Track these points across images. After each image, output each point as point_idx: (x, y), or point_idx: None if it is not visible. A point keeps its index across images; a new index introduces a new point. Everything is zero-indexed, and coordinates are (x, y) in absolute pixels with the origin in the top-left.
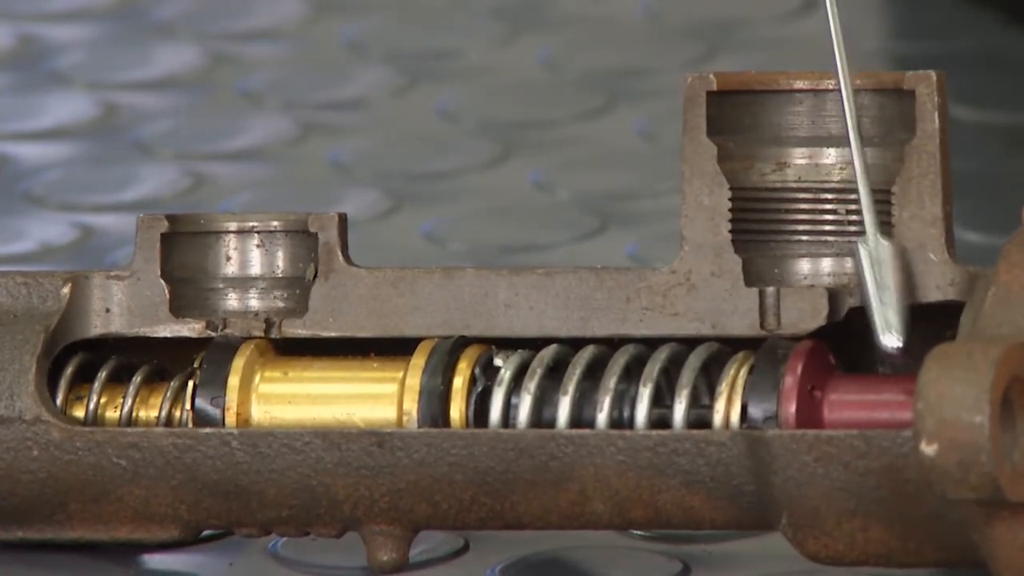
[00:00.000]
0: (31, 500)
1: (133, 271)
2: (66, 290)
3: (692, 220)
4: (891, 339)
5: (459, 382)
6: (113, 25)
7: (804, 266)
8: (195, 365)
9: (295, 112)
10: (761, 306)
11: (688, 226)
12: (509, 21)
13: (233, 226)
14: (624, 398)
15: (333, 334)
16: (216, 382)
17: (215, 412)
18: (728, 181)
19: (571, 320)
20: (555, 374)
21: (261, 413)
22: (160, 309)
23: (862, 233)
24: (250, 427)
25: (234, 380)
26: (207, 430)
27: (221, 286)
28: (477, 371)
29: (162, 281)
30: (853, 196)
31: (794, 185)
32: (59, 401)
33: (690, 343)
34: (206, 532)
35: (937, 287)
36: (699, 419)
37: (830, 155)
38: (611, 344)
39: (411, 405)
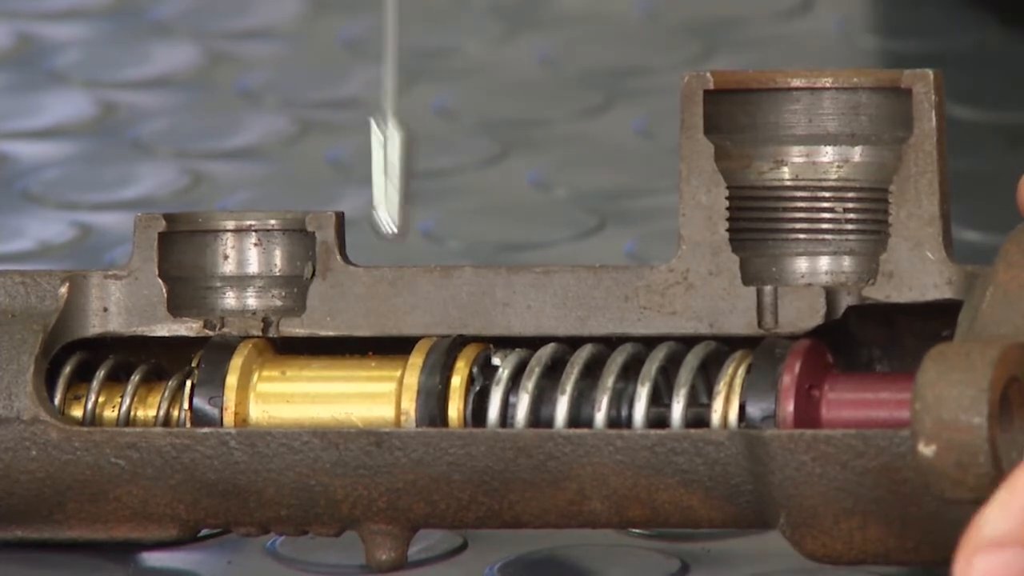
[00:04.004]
0: (29, 500)
1: (131, 270)
2: (64, 289)
3: (690, 219)
4: (384, 215)
5: (457, 381)
6: (111, 24)
7: (802, 265)
8: (193, 364)
9: (293, 111)
10: (759, 305)
11: (686, 225)
12: (507, 19)
13: (231, 225)
14: (622, 397)
15: (331, 333)
16: (214, 381)
17: (213, 412)
18: (725, 180)
19: (569, 319)
20: (553, 373)
21: (259, 412)
22: (158, 308)
23: (860, 232)
24: (248, 427)
25: (232, 379)
26: (205, 430)
27: (219, 285)
28: (475, 370)
29: (160, 280)
30: (851, 194)
31: (791, 184)
32: (57, 401)
33: (688, 342)
34: (204, 531)
35: (935, 286)
36: (697, 418)
37: (827, 153)
38: (609, 343)
39: (409, 404)
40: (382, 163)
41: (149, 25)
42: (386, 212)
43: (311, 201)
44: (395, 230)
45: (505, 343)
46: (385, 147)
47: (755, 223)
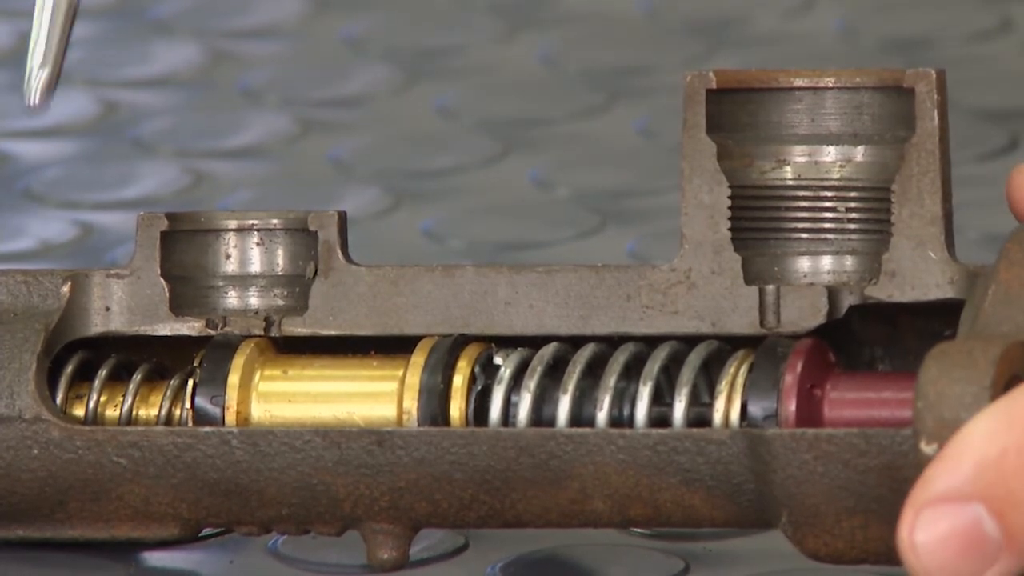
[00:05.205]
0: (31, 499)
1: (133, 269)
2: (66, 288)
3: (692, 218)
4: (35, 84)
5: (459, 380)
6: (113, 23)
7: (804, 264)
8: (195, 363)
9: (295, 109)
10: (761, 304)
11: (688, 224)
12: (508, 18)
13: (233, 224)
14: (624, 396)
15: (333, 332)
16: (216, 381)
17: (215, 411)
18: (728, 179)
19: (571, 318)
20: (555, 372)
21: (261, 412)
22: (160, 307)
23: (862, 231)
24: (250, 426)
25: (234, 379)
26: (207, 429)
27: (221, 284)
28: (477, 369)
29: (162, 279)
30: (853, 194)
31: (793, 183)
32: (59, 400)
33: (690, 341)
34: (206, 530)
35: (937, 285)
36: (699, 417)
37: (829, 153)
38: (611, 342)
39: (411, 403)
40: (44, 28)
41: (150, 24)
42: (37, 81)
43: (312, 200)
44: (40, 101)
45: (507, 342)
46: (51, 10)
47: (757, 222)
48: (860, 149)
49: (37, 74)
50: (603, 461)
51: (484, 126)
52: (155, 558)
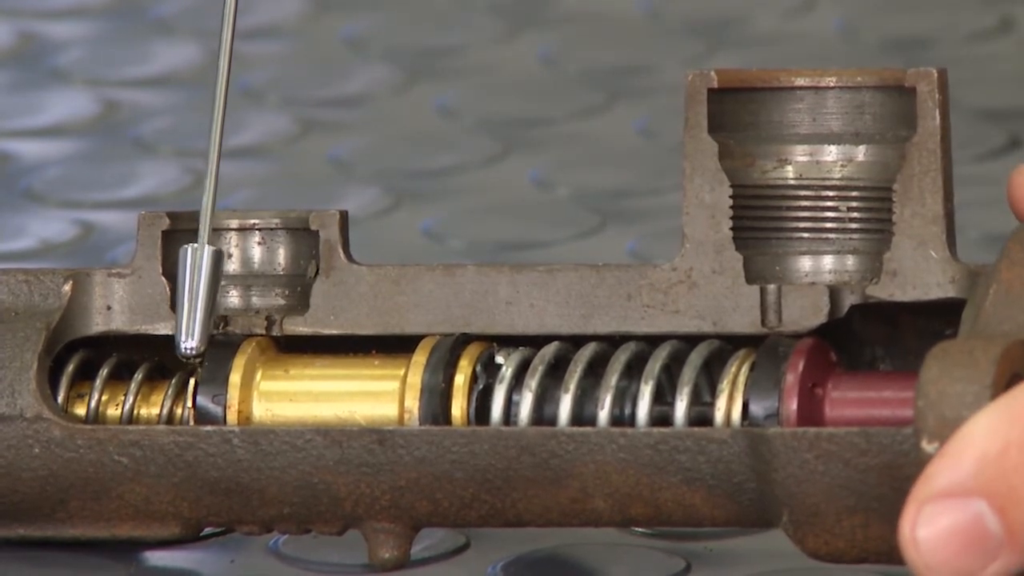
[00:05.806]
0: (32, 498)
1: (134, 268)
2: (67, 288)
3: (693, 217)
4: (189, 343)
5: (460, 379)
6: (113, 22)
7: (805, 263)
8: (196, 362)
9: (295, 109)
10: (762, 303)
11: (689, 223)
12: (509, 18)
13: (234, 223)
14: (625, 395)
15: (334, 331)
16: (217, 380)
17: (216, 410)
18: (729, 178)
19: (572, 317)
20: (556, 372)
21: (262, 411)
22: (161, 306)
23: (863, 230)
24: (251, 425)
25: (235, 378)
26: (208, 428)
27: (222, 283)
28: (478, 369)
29: (163, 279)
30: (855, 193)
31: (795, 182)
32: (60, 399)
33: (691, 340)
34: (207, 530)
35: (938, 284)
36: (700, 417)
37: (831, 152)
38: (612, 341)
39: (412, 403)
40: (191, 289)
41: (150, 24)
42: (187, 333)
43: (313, 199)
44: (195, 347)
45: (508, 341)
46: (195, 272)
47: (759, 222)
48: (861, 148)
49: (186, 335)
50: (604, 460)
51: (484, 126)
52: (156, 557)
